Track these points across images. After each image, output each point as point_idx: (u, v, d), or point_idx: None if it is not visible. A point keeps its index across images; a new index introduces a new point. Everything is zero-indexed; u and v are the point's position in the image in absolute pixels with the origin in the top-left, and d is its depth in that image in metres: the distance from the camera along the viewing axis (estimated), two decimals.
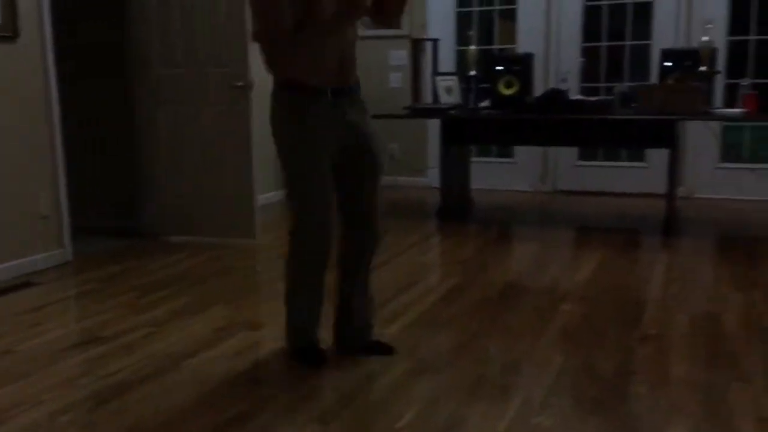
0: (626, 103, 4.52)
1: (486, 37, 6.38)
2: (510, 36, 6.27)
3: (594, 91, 6.06)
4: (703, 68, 4.36)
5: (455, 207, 5.10)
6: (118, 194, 4.70)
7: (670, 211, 4.45)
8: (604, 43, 6.02)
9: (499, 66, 5.02)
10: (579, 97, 4.60)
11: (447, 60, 6.11)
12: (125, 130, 4.52)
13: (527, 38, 6.11)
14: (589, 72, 6.09)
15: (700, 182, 5.64)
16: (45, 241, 3.75)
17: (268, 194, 5.56)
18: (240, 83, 4.14)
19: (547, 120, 4.58)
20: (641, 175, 5.71)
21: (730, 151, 5.67)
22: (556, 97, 4.57)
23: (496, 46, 6.33)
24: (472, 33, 5.50)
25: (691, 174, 5.67)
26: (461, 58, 5.67)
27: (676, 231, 4.42)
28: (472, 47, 5.13)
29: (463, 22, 6.42)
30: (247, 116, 4.20)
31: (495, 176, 6.09)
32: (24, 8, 3.55)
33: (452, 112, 4.87)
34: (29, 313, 3.04)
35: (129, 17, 4.37)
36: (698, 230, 4.64)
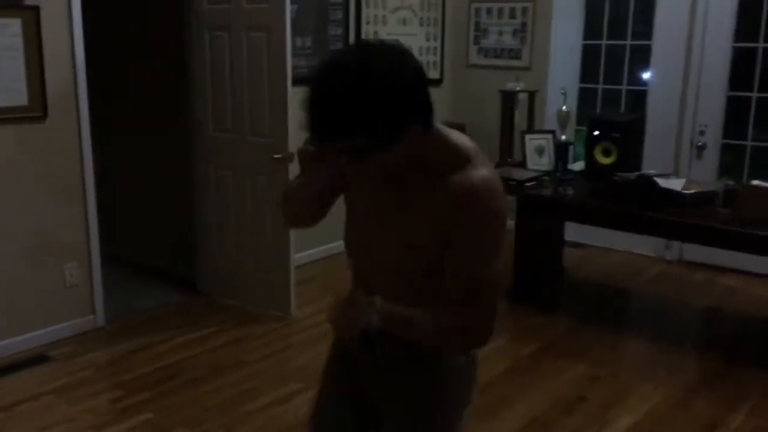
0: (730, 202, 3.64)
1: (613, 75, 5.55)
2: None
3: (739, 150, 5.04)
4: None
5: (533, 282, 4.50)
6: (179, 242, 4.76)
7: None
8: (755, 94, 4.94)
9: (597, 130, 4.32)
10: (672, 187, 3.77)
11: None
12: (183, 185, 4.54)
13: (662, 80, 5.21)
14: (733, 125, 5.07)
15: None
16: (74, 310, 3.86)
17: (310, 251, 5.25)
18: (279, 156, 3.93)
19: (632, 211, 3.84)
20: None
21: None
22: (644, 186, 3.80)
23: (624, 87, 5.49)
24: (564, 91, 4.76)
25: None
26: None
27: None
28: (564, 108, 4.45)
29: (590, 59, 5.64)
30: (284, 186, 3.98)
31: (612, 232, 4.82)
32: (54, 89, 3.60)
33: (529, 184, 4.26)
34: (3, 410, 3.13)
35: (187, 79, 4.32)
36: None
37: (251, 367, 3.57)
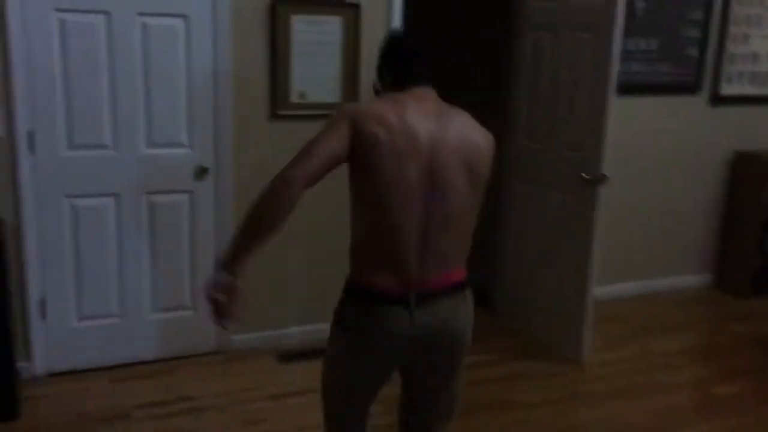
0: None
1: None
2: None
3: None
4: None
5: None
6: (476, 253, 4.49)
7: None
8: None
9: None
10: None
11: None
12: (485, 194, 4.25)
13: None
14: None
15: None
16: None
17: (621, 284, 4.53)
18: (588, 176, 3.41)
19: None
20: None
21: None
22: None
23: None
24: None
25: None
26: None
27: None
28: None
29: None
30: (590, 212, 3.46)
31: None
32: (367, 88, 3.58)
33: None
34: (274, 399, 3.18)
35: (506, 81, 4.01)
36: None
37: (520, 411, 3.15)
